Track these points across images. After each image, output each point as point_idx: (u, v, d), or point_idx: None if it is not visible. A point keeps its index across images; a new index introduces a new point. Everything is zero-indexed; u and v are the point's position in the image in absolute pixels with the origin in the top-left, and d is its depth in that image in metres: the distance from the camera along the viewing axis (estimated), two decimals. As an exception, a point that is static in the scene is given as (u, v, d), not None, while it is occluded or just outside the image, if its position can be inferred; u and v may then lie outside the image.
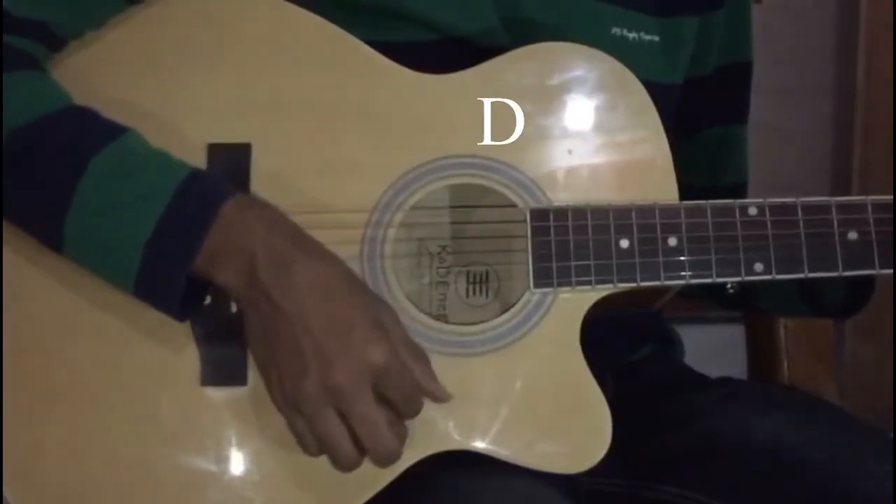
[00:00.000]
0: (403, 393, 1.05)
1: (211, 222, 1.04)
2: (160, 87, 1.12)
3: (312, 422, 1.04)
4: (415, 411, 1.07)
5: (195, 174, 1.07)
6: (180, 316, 1.08)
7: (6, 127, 1.06)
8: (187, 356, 1.11)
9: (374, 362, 1.03)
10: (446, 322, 1.13)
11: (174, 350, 1.11)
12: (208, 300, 1.11)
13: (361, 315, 1.04)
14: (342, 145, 1.13)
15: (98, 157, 1.06)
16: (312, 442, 1.05)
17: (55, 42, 1.12)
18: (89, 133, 1.08)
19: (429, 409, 1.09)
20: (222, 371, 1.11)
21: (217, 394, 1.11)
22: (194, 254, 1.04)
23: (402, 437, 1.06)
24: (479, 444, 1.11)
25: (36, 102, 1.08)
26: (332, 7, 1.15)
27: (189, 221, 1.05)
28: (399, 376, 1.04)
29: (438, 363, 1.11)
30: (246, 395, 1.11)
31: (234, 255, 1.04)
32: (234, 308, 1.11)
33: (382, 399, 1.05)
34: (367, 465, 1.09)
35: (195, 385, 1.11)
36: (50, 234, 1.07)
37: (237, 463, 1.11)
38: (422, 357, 1.08)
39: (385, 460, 1.06)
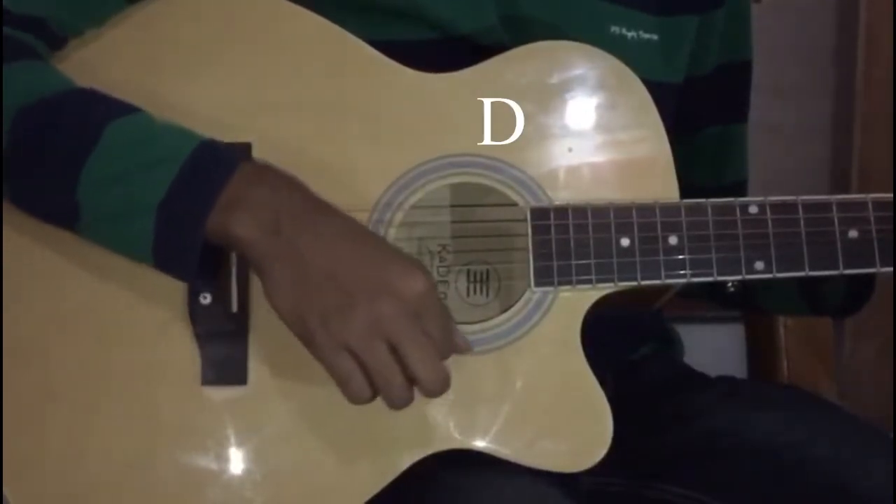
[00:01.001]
0: (441, 324, 1.04)
1: (226, 180, 1.04)
2: (160, 87, 1.12)
3: (365, 356, 1.02)
4: (448, 349, 1.05)
5: (210, 141, 1.07)
6: (198, 278, 1.07)
7: (14, 106, 1.06)
8: (187, 356, 1.11)
9: (416, 290, 1.02)
10: (446, 321, 1.13)
11: (174, 350, 1.11)
12: (209, 299, 1.11)
13: (393, 252, 1.05)
14: (342, 144, 1.13)
15: (112, 126, 1.05)
16: (363, 382, 1.03)
17: (55, 40, 1.12)
18: (102, 107, 1.07)
19: (430, 407, 1.10)
20: (222, 371, 1.11)
21: (217, 393, 1.11)
22: (209, 209, 1.03)
23: (447, 371, 1.05)
24: (480, 444, 1.11)
25: (43, 84, 1.08)
26: (332, 7, 1.15)
27: (203, 181, 1.04)
28: (437, 307, 1.04)
29: (439, 362, 1.11)
30: (246, 394, 1.11)
31: (253, 208, 1.03)
32: (234, 307, 1.11)
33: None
34: (368, 464, 1.09)
35: (195, 385, 1.11)
36: (64, 206, 1.06)
37: (237, 462, 1.11)
38: (444, 307, 1.07)
39: (438, 388, 1.04)
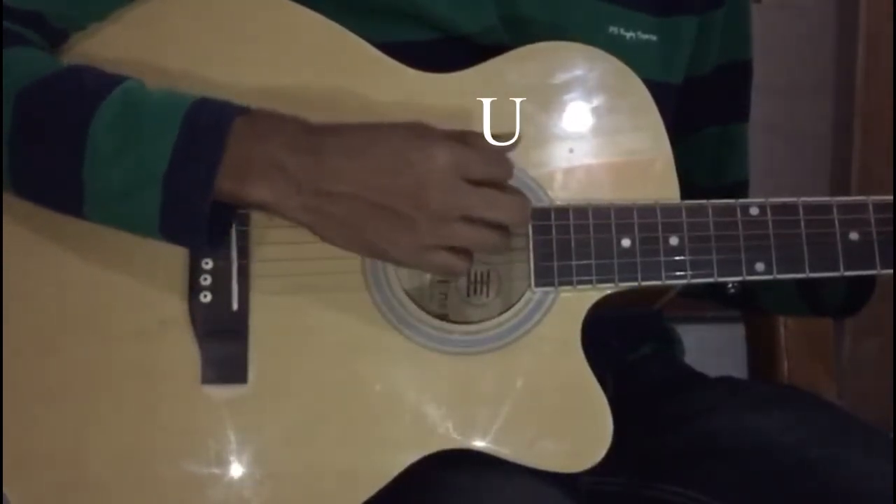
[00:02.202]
0: (484, 166, 1.06)
1: (225, 140, 1.04)
2: (159, 84, 1.11)
3: (448, 243, 1.05)
4: (506, 175, 1.08)
5: (201, 100, 1.06)
6: (210, 244, 1.07)
7: (13, 91, 1.06)
8: (187, 355, 1.11)
9: (445, 161, 1.04)
10: (447, 321, 1.13)
11: (174, 349, 1.11)
12: (209, 298, 1.11)
13: (400, 142, 1.06)
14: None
15: (106, 102, 1.05)
16: (460, 261, 1.07)
17: (55, 34, 1.12)
18: (94, 83, 1.07)
19: (430, 407, 1.10)
20: (222, 370, 1.11)
21: (217, 392, 1.11)
22: (215, 174, 1.03)
23: (517, 194, 1.08)
24: (480, 443, 1.11)
25: (39, 68, 1.08)
26: (332, 7, 1.15)
27: (203, 145, 1.04)
28: (469, 154, 1.06)
29: (439, 362, 1.11)
30: (246, 393, 1.11)
31: (260, 169, 1.04)
32: (234, 306, 1.11)
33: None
34: (367, 463, 1.09)
35: (195, 384, 1.11)
36: (68, 190, 1.06)
37: (238, 462, 1.11)
38: (465, 133, 1.08)
39: (523, 218, 1.08)
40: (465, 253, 1.07)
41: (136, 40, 1.14)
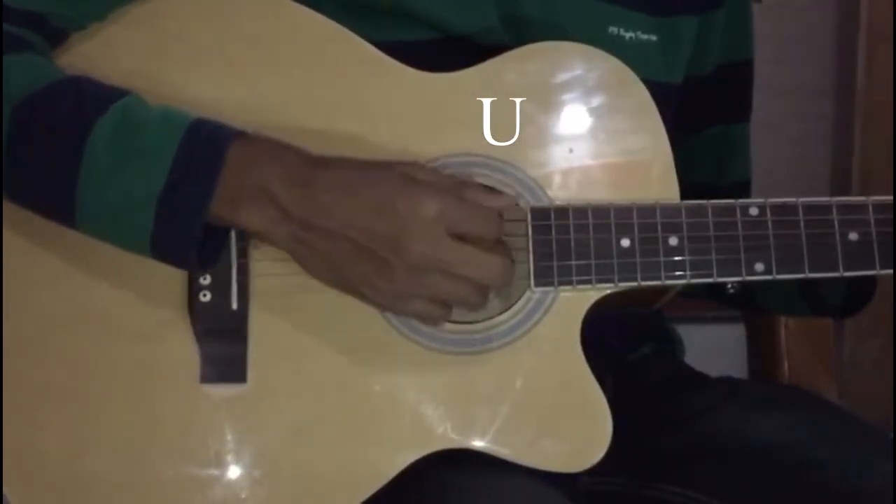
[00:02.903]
0: (472, 222, 1.06)
1: (222, 163, 1.04)
2: (160, 83, 1.12)
3: (425, 293, 1.05)
4: (495, 232, 1.08)
5: (198, 121, 1.07)
6: (199, 266, 1.07)
7: (9, 103, 1.06)
8: (187, 354, 1.11)
9: (432, 213, 1.04)
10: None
11: (173, 348, 1.11)
12: (208, 297, 1.11)
13: (390, 187, 1.05)
14: (343, 143, 1.13)
15: (104, 118, 1.05)
16: (437, 309, 1.07)
17: (55, 34, 1.12)
18: (92, 97, 1.07)
19: (429, 407, 1.10)
20: (222, 369, 1.11)
21: (216, 392, 1.11)
22: (209, 199, 1.04)
23: (503, 255, 1.08)
24: (480, 443, 1.11)
25: (37, 77, 1.08)
26: (332, 7, 1.15)
27: (200, 168, 1.04)
28: (458, 209, 1.05)
29: (439, 362, 1.11)
30: (245, 392, 1.11)
31: (252, 197, 1.04)
32: (234, 305, 1.11)
33: (464, 239, 1.06)
34: (366, 462, 1.09)
35: (195, 383, 1.11)
36: (62, 203, 1.06)
37: (237, 461, 1.11)
38: (463, 183, 1.09)
39: (502, 280, 1.07)
40: (443, 303, 1.07)
41: (135, 40, 1.14)
